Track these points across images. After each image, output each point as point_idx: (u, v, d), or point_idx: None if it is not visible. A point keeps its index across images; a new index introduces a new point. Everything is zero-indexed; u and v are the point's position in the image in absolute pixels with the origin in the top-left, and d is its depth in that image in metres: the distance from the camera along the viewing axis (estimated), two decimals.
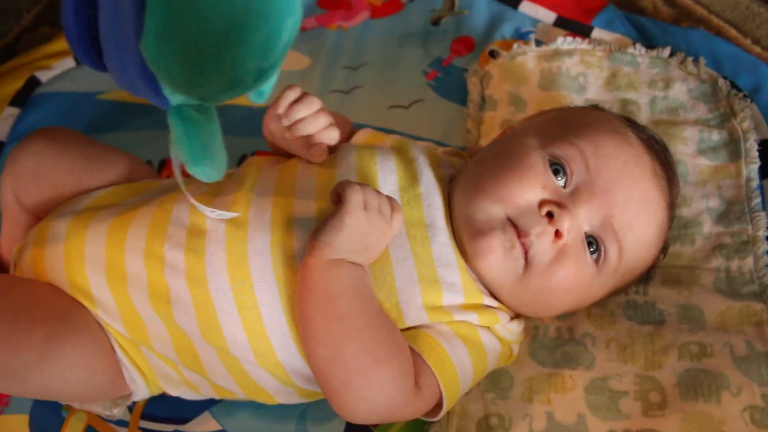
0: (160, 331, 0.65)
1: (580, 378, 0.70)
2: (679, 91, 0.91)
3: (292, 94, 0.68)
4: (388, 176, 0.67)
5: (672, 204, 0.69)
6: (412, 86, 0.96)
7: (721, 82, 0.90)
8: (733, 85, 0.90)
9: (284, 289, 0.61)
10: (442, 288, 0.63)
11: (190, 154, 0.49)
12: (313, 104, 0.68)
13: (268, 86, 0.55)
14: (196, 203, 0.56)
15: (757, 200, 0.81)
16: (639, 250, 0.66)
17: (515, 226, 0.63)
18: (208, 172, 0.50)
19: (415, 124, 0.92)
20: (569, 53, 0.96)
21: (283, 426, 0.70)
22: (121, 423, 0.71)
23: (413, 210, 0.65)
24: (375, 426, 0.69)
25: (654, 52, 0.95)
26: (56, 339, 0.63)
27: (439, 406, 0.63)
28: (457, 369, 0.62)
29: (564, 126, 0.68)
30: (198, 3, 0.40)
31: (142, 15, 0.42)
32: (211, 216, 0.58)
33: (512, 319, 0.68)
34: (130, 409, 0.72)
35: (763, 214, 0.80)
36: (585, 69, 0.94)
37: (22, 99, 0.96)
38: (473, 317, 0.64)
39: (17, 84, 0.97)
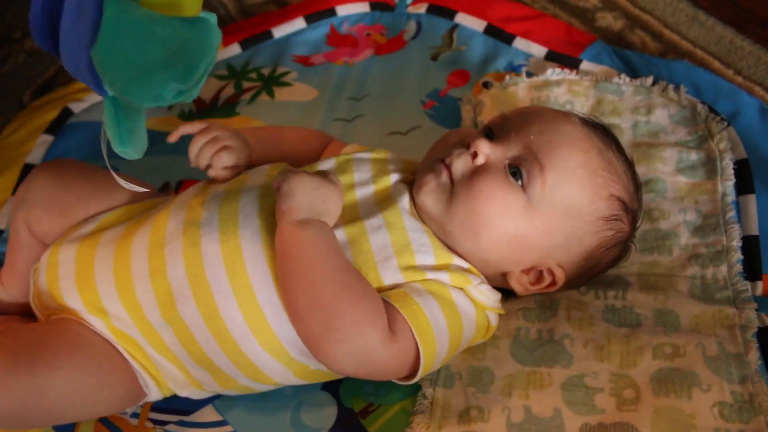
0: (166, 330, 0.71)
1: (558, 375, 0.74)
2: (661, 116, 0.97)
3: (190, 130, 0.79)
4: (361, 165, 0.77)
5: (605, 150, 0.74)
6: (411, 115, 1.04)
7: (699, 107, 0.96)
8: (712, 110, 0.95)
9: (271, 266, 0.68)
10: (414, 249, 0.70)
11: (117, 135, 0.57)
12: (203, 138, 0.77)
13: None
14: (115, 175, 0.64)
15: (732, 213, 0.85)
16: (563, 171, 0.71)
17: (443, 162, 0.73)
18: (129, 152, 0.58)
19: (412, 149, 0.97)
20: (558, 83, 1.02)
21: (280, 415, 0.75)
22: (133, 415, 0.77)
23: (382, 184, 0.75)
24: (364, 417, 0.74)
25: (638, 81, 1.01)
26: (79, 344, 0.70)
27: (415, 372, 0.67)
28: (430, 320, 0.67)
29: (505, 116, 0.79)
30: (140, 36, 0.52)
31: (96, 29, 0.52)
32: (127, 187, 0.65)
33: (483, 283, 0.73)
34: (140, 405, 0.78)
35: (737, 225, 0.84)
36: (572, 97, 1.01)
37: (56, 127, 1.05)
38: (444, 276, 0.70)
39: (52, 114, 1.06)
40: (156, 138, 1.02)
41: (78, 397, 0.68)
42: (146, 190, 0.69)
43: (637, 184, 0.77)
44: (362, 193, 0.75)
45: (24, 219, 0.79)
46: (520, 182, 0.71)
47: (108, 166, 0.63)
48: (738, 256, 0.82)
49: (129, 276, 0.71)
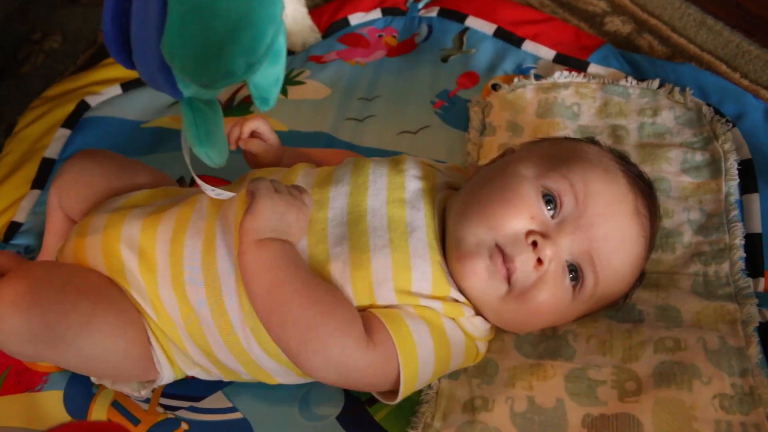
0: (176, 315, 0.73)
1: (561, 368, 0.75)
2: (667, 118, 0.98)
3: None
4: (378, 180, 0.75)
5: (651, 237, 0.74)
6: (421, 114, 1.05)
7: (705, 109, 0.97)
8: (717, 112, 0.97)
9: None
10: (413, 275, 0.69)
11: (196, 137, 0.58)
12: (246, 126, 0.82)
13: (272, 98, 0.64)
14: (198, 180, 0.65)
15: (735, 212, 0.86)
16: (614, 281, 0.72)
17: (502, 252, 0.68)
18: (210, 154, 0.59)
19: (421, 147, 1.00)
20: (565, 86, 1.04)
21: (289, 403, 0.77)
22: (144, 401, 0.79)
23: (396, 210, 0.72)
24: (371, 405, 0.76)
25: (644, 84, 1.02)
26: (100, 306, 0.71)
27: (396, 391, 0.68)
28: (416, 343, 0.67)
29: (558, 159, 0.73)
30: (204, 16, 0.53)
31: (163, 23, 0.53)
32: (212, 194, 0.67)
33: (476, 315, 0.73)
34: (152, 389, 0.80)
35: (740, 224, 0.85)
36: (579, 99, 1.02)
37: (73, 121, 1.08)
38: (438, 305, 0.69)
39: (69, 108, 1.09)
40: (172, 135, 1.07)
41: (99, 339, 0.71)
42: (233, 195, 0.69)
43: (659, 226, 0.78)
44: (374, 215, 0.72)
45: (56, 193, 0.84)
46: (573, 283, 0.70)
47: (191, 171, 0.64)
48: (740, 253, 0.83)
49: (153, 250, 0.73)
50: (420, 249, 0.70)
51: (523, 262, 0.68)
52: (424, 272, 0.70)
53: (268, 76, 0.60)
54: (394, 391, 0.69)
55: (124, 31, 0.57)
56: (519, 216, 0.69)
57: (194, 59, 0.53)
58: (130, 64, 0.58)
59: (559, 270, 0.69)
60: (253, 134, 0.83)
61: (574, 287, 0.70)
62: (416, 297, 0.69)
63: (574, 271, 0.70)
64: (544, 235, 0.68)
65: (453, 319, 0.71)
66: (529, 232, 0.68)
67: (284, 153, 0.86)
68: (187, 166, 0.63)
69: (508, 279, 0.68)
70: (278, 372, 0.74)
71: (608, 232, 0.69)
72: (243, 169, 0.85)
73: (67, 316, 0.69)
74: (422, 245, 0.71)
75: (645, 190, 0.74)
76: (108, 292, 0.74)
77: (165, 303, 0.73)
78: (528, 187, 0.70)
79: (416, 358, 0.68)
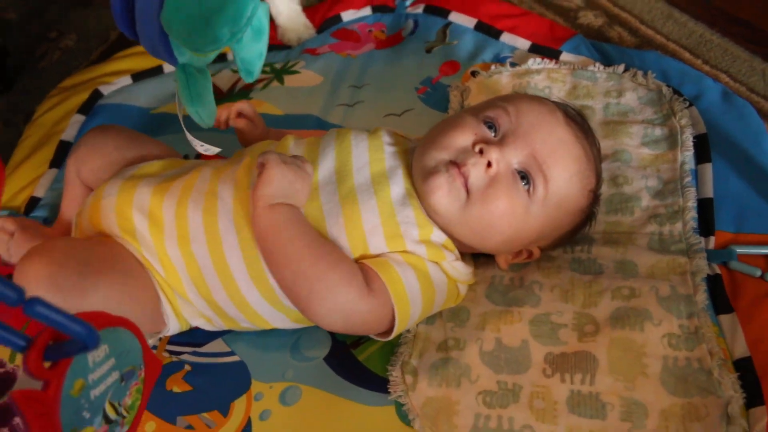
0: (182, 269, 0.81)
1: (526, 314, 0.82)
2: (630, 98, 1.07)
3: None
4: (360, 143, 0.84)
5: (589, 147, 0.83)
6: (405, 99, 1.14)
7: (665, 89, 1.05)
8: (676, 92, 1.05)
9: None
10: (399, 221, 0.78)
11: (188, 98, 0.68)
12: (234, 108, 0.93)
13: (256, 70, 0.75)
14: (188, 135, 0.74)
15: (689, 179, 0.94)
16: (563, 181, 0.79)
17: (456, 165, 0.78)
18: (201, 112, 0.69)
19: (404, 128, 1.07)
20: (538, 71, 1.13)
21: (281, 347, 0.85)
22: (151, 347, 0.87)
23: (377, 166, 0.82)
24: (355, 348, 0.84)
25: (610, 69, 1.11)
26: (117, 282, 0.79)
27: (391, 330, 0.77)
28: (405, 286, 0.76)
29: (495, 98, 0.86)
30: None
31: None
32: (200, 149, 0.76)
33: (457, 259, 0.81)
34: (159, 338, 0.89)
35: (693, 189, 0.92)
36: (550, 83, 1.11)
37: (87, 108, 1.17)
38: (422, 250, 0.78)
39: (84, 96, 1.18)
40: (178, 119, 1.16)
41: (114, 304, 0.77)
42: (219, 150, 0.78)
43: (600, 160, 0.86)
44: (359, 177, 0.81)
45: (74, 163, 0.93)
46: (527, 187, 0.79)
47: (183, 128, 0.74)
48: (693, 214, 0.90)
49: (161, 213, 0.82)
50: (401, 197, 0.80)
51: (475, 165, 0.77)
52: (408, 215, 0.79)
53: (252, 51, 0.71)
54: (387, 331, 0.78)
55: (129, 7, 0.66)
56: (465, 135, 0.80)
57: (187, 28, 0.63)
58: (133, 34, 0.67)
59: (509, 175, 0.78)
60: (240, 115, 0.94)
61: (528, 192, 0.78)
62: (404, 241, 0.78)
63: (525, 178, 0.78)
64: (488, 142, 0.78)
65: (436, 263, 0.80)
66: (475, 143, 0.79)
67: (269, 132, 0.97)
68: (188, 141, 0.72)
69: (466, 186, 0.77)
70: (275, 318, 0.82)
71: (544, 137, 0.79)
72: (236, 148, 0.96)
73: (86, 297, 0.74)
74: (402, 193, 0.80)
75: (570, 110, 0.85)
76: (122, 263, 0.81)
77: (172, 259, 0.82)
78: (470, 116, 0.82)
79: (407, 301, 0.76)
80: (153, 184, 0.86)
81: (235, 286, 0.80)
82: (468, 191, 0.78)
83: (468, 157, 0.78)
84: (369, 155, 0.83)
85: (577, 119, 0.84)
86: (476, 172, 0.78)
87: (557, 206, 0.80)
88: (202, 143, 0.75)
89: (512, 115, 0.81)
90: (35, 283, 0.72)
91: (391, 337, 0.78)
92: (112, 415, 0.54)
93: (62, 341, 0.46)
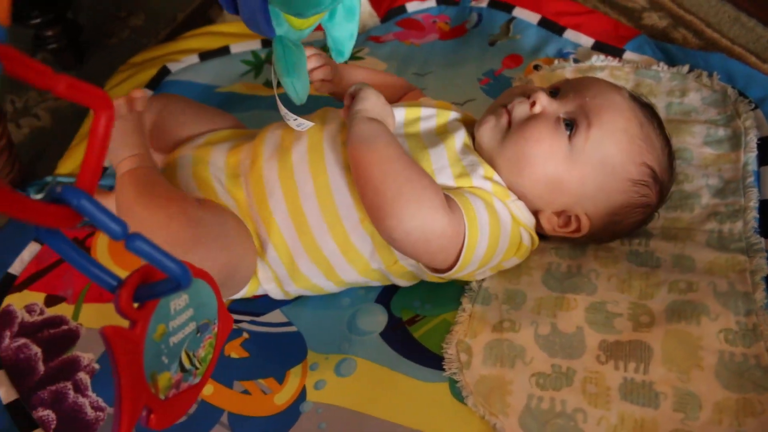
0: (263, 231, 0.83)
1: (583, 301, 0.83)
2: (694, 98, 1.06)
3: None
4: (426, 105, 0.90)
5: (645, 121, 0.84)
6: (468, 89, 1.16)
7: (730, 91, 1.05)
8: (741, 94, 1.05)
9: (347, 174, 0.81)
10: (464, 163, 0.83)
11: (284, 68, 0.69)
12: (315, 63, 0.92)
13: (346, 50, 0.76)
14: (282, 107, 0.76)
15: (751, 179, 0.93)
16: (607, 131, 0.81)
17: (506, 108, 0.84)
18: (295, 84, 0.70)
19: None
20: (601, 68, 1.13)
21: (338, 320, 0.87)
22: None
23: (442, 119, 0.89)
24: (411, 324, 0.85)
25: (674, 69, 1.11)
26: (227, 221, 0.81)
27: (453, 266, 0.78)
28: (476, 212, 0.78)
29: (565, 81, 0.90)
30: None
31: None
32: (293, 125, 0.78)
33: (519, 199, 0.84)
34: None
35: (755, 189, 0.92)
36: (613, 81, 1.11)
37: (155, 83, 1.21)
38: (488, 186, 0.81)
39: (152, 72, 1.22)
40: (243, 99, 1.19)
41: (217, 265, 0.76)
42: (312, 124, 0.80)
43: (671, 162, 0.87)
44: (425, 124, 0.87)
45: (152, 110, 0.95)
46: (568, 132, 0.82)
47: (278, 102, 0.76)
48: (754, 214, 0.90)
49: (237, 177, 0.86)
50: (464, 146, 0.85)
51: (521, 103, 0.84)
52: (472, 160, 0.83)
53: (344, 31, 0.73)
54: (448, 268, 0.79)
55: None
56: (523, 90, 0.87)
57: None
58: (233, 9, 0.70)
59: (552, 118, 0.82)
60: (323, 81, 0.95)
61: (570, 137, 0.81)
62: (471, 178, 0.81)
63: (570, 126, 0.82)
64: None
65: (501, 200, 0.82)
66: (530, 96, 0.84)
67: (343, 80, 0.97)
68: (282, 116, 0.74)
69: (509, 121, 0.84)
70: (345, 271, 0.84)
71: (599, 93, 0.84)
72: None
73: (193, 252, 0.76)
74: (462, 142, 0.85)
75: (639, 96, 0.88)
76: (229, 226, 0.82)
77: (253, 217, 0.84)
78: (537, 84, 0.87)
79: (477, 227, 0.77)
80: (226, 150, 0.89)
81: (311, 235, 0.82)
82: (510, 125, 0.83)
83: (517, 99, 0.84)
84: (436, 112, 0.89)
85: (643, 101, 0.86)
86: (520, 108, 0.83)
87: (601, 163, 0.81)
88: (296, 117, 0.78)
89: (577, 85, 0.85)
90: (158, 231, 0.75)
91: (452, 272, 0.79)
92: (186, 364, 0.56)
93: (149, 284, 0.48)
